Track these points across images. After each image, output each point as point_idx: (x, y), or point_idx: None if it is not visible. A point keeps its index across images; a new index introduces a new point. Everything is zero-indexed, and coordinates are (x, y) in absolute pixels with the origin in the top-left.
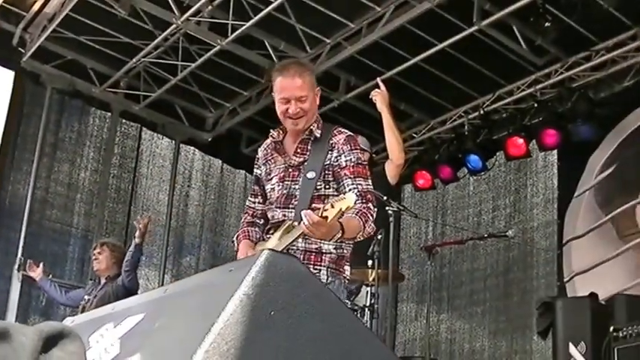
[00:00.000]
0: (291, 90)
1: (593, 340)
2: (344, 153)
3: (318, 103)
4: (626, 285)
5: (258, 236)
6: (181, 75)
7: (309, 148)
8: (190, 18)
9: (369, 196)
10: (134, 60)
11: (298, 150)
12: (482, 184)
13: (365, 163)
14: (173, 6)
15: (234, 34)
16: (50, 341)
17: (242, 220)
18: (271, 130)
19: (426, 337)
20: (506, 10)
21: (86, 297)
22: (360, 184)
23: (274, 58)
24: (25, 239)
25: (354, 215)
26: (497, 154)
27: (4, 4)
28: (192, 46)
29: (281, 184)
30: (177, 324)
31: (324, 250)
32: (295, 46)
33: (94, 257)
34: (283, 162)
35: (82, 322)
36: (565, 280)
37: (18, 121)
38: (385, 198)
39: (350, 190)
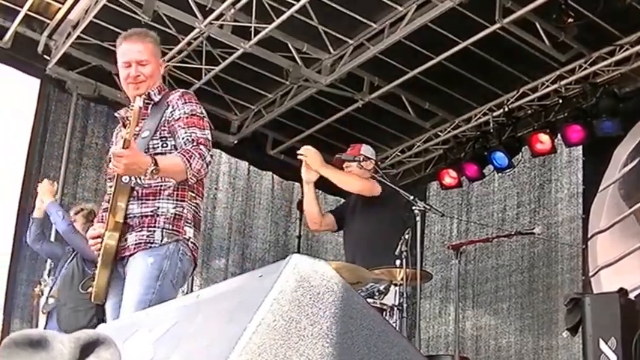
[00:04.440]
0: (132, 53)
1: (623, 336)
2: (178, 107)
3: (162, 73)
4: None
5: None
6: (205, 78)
7: (148, 112)
8: (213, 22)
9: (201, 140)
10: None
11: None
12: (507, 180)
13: (202, 115)
14: (196, 10)
15: (257, 37)
16: (87, 348)
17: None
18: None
19: (455, 335)
20: (529, 7)
21: (63, 270)
22: (193, 132)
23: (298, 60)
24: None
25: (176, 154)
26: (523, 150)
27: (28, 12)
28: (216, 49)
29: None
30: (210, 329)
31: (159, 213)
32: (318, 47)
33: None
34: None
35: (116, 328)
36: (590, 274)
37: (44, 128)
38: (412, 198)
39: (183, 139)
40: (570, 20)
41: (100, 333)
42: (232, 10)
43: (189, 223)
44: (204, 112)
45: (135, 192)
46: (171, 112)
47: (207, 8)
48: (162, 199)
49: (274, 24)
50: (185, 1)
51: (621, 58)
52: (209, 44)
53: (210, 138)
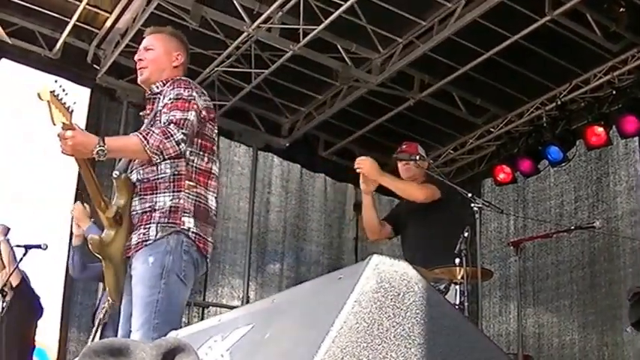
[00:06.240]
0: (143, 43)
1: None
2: (166, 94)
3: (174, 65)
4: None
5: None
6: (255, 82)
7: (153, 107)
8: (261, 25)
9: (174, 120)
10: (207, 70)
11: (147, 110)
12: (563, 175)
13: (188, 98)
14: (243, 14)
15: (306, 39)
16: (168, 356)
17: None
18: None
19: (518, 333)
20: None
21: None
22: (173, 115)
23: (347, 61)
24: None
25: (134, 134)
26: (577, 143)
27: (77, 22)
28: (265, 52)
29: None
30: (289, 333)
31: (156, 207)
32: (367, 47)
33: None
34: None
35: (189, 334)
36: None
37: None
38: (470, 195)
39: (163, 122)
40: (621, 10)
41: (181, 340)
42: (280, 13)
43: (188, 214)
44: (193, 94)
45: (136, 188)
46: (162, 101)
47: (254, 12)
48: (160, 192)
49: (322, 25)
50: (232, 6)
51: None
52: (257, 48)
53: (190, 118)
